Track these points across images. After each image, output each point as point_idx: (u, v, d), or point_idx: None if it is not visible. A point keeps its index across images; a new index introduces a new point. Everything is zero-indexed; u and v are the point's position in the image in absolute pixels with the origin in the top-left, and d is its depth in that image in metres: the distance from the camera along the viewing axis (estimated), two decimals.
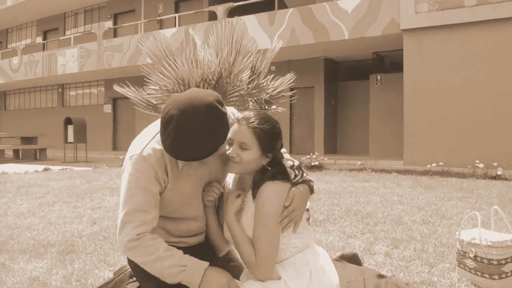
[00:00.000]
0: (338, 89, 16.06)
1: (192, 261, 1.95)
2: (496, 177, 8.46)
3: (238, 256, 2.53)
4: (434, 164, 9.92)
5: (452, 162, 9.95)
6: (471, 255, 2.86)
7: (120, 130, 20.91)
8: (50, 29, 23.97)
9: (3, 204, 6.03)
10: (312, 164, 10.88)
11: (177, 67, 6.06)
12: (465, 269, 2.92)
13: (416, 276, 2.98)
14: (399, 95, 11.84)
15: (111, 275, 2.71)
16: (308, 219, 2.79)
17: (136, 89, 6.82)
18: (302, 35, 13.19)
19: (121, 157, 14.88)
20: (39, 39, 24.14)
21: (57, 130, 18.51)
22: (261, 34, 13.28)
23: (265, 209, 1.93)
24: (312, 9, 13.11)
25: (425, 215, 4.97)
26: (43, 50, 22.82)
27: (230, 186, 2.20)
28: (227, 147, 2.00)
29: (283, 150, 2.13)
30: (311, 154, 11.51)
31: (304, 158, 11.30)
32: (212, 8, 15.40)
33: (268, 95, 6.72)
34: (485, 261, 2.79)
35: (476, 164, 9.14)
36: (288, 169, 2.04)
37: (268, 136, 1.98)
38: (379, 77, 14.31)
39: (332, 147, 15.72)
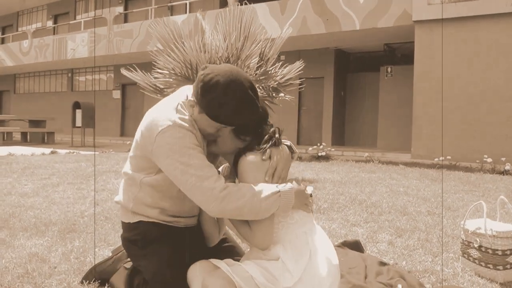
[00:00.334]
0: (348, 80, 15.96)
1: (279, 186, 1.95)
2: (504, 172, 8.38)
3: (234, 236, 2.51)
4: (441, 158, 9.84)
5: (460, 156, 9.87)
6: (476, 245, 2.81)
7: (129, 116, 20.94)
8: (61, 13, 23.97)
9: (8, 184, 6.04)
10: (319, 154, 10.83)
11: (185, 51, 6.02)
12: (469, 259, 2.87)
13: (419, 264, 2.93)
14: (409, 88, 11.74)
15: (110, 254, 2.69)
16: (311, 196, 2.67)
17: (144, 74, 6.79)
18: (313, 25, 13.09)
19: (128, 142, 14.92)
20: (50, 23, 24.17)
21: (66, 114, 18.56)
22: (271, 23, 13.20)
23: (245, 177, 1.98)
24: None
25: (430, 207, 4.92)
26: (54, 34, 22.84)
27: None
28: None
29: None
30: (318, 144, 11.45)
31: (311, 148, 11.25)
32: None
33: (276, 82, 6.66)
34: (490, 251, 2.73)
35: (484, 159, 9.05)
36: (265, 139, 2.06)
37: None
38: (389, 69, 14.20)
39: (340, 138, 15.65)
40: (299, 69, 6.77)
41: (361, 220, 4.22)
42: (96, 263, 2.55)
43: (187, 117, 1.99)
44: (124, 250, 2.47)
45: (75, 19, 22.74)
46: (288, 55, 12.54)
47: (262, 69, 6.35)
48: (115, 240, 3.31)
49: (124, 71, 6.95)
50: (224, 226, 2.34)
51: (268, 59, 6.48)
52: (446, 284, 2.63)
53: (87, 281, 2.44)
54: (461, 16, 10.38)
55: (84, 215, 4.22)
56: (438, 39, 10.76)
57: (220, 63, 6.00)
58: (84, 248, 3.09)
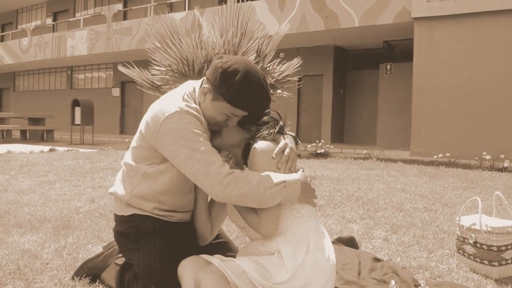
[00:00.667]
0: (347, 77, 15.95)
1: (285, 175, 1.94)
2: (503, 169, 8.36)
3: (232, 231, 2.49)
4: (440, 155, 9.83)
5: (459, 153, 9.85)
6: (471, 241, 2.79)
7: (128, 113, 20.93)
8: (60, 10, 23.95)
9: (5, 181, 6.03)
10: (318, 152, 10.81)
11: (181, 48, 5.99)
12: (464, 255, 2.85)
13: (414, 260, 2.91)
14: (408, 85, 11.72)
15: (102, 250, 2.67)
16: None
17: (141, 70, 6.77)
18: (312, 22, 13.06)
19: (127, 140, 14.90)
20: (49, 21, 24.15)
21: (65, 112, 18.55)
22: (270, 20, 13.17)
23: (257, 164, 1.97)
24: None
25: (427, 203, 4.90)
26: (53, 31, 22.82)
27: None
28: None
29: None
30: (317, 142, 11.43)
31: (310, 145, 11.23)
32: None
33: (274, 79, 6.64)
34: (485, 247, 2.72)
35: (483, 156, 9.03)
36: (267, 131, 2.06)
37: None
38: (388, 67, 14.17)
39: (339, 136, 15.64)
40: (297, 66, 6.74)
41: (357, 216, 4.20)
42: (86, 259, 2.54)
43: (193, 105, 2.01)
44: (115, 246, 2.46)
45: (74, 16, 22.71)
46: (287, 53, 12.51)
47: (259, 66, 6.32)
48: (109, 236, 3.29)
49: (121, 68, 6.93)
50: (218, 227, 2.33)
51: (266, 55, 6.45)
52: (441, 280, 2.62)
53: (78, 277, 2.43)
54: (460, 13, 10.36)
55: (79, 212, 4.21)
56: (437, 36, 10.74)
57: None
58: (77, 245, 3.08)
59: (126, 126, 20.94)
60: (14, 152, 10.39)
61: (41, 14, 25.08)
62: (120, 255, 2.41)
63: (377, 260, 2.79)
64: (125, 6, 20.75)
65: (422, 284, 2.37)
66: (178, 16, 14.98)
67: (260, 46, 6.32)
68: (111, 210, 4.19)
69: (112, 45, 18.05)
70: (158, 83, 6.46)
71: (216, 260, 1.91)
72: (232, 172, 1.88)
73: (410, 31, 11.40)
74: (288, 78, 6.83)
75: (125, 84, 20.87)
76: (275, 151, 1.97)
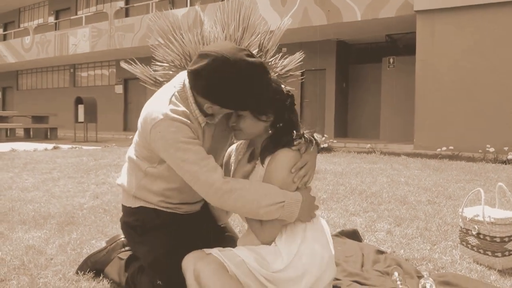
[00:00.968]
0: (350, 72, 15.90)
1: (286, 194, 1.91)
2: (506, 161, 8.33)
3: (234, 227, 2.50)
4: (444, 148, 9.80)
5: (462, 146, 9.82)
6: (474, 233, 2.79)
7: (131, 110, 20.94)
8: (62, 8, 23.93)
9: (9, 178, 6.05)
10: (322, 146, 10.80)
11: (184, 43, 5.99)
12: (468, 247, 2.85)
13: (417, 252, 2.92)
14: (411, 78, 11.67)
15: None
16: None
17: (144, 67, 6.77)
18: (314, 16, 13.02)
19: (130, 137, 14.93)
20: (51, 19, 24.16)
21: (69, 110, 18.57)
22: (272, 15, 13.12)
23: (275, 174, 1.95)
24: None
25: (431, 196, 4.89)
26: (55, 29, 22.84)
27: (241, 151, 2.20)
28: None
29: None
30: (320, 136, 11.41)
31: None
32: None
33: (277, 74, 6.63)
34: (488, 238, 2.72)
35: (487, 149, 9.01)
36: (299, 136, 2.03)
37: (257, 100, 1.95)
38: (391, 60, 14.12)
39: (342, 130, 15.61)
40: (299, 60, 6.73)
41: (360, 209, 4.20)
42: (89, 254, 2.55)
43: (180, 109, 1.94)
44: (118, 241, 2.48)
45: (76, 14, 22.70)
46: (290, 47, 12.45)
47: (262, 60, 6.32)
48: (113, 232, 3.30)
49: (123, 64, 6.93)
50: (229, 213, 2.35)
51: (268, 50, 6.44)
52: (444, 271, 2.62)
53: (82, 272, 2.44)
54: (463, 5, 10.30)
55: (83, 208, 4.22)
56: (440, 29, 10.69)
57: None
58: (81, 240, 3.10)
59: (129, 123, 20.95)
60: (18, 150, 10.42)
61: (43, 12, 25.08)
62: (123, 249, 2.43)
63: (380, 252, 2.79)
64: (127, 3, 20.73)
65: (425, 276, 2.37)
66: (180, 12, 14.97)
67: (262, 41, 6.31)
68: (115, 206, 4.21)
69: (115, 42, 18.05)
70: (161, 79, 6.47)
71: (215, 250, 1.92)
72: (226, 183, 1.87)
73: (412, 24, 11.35)
74: (291, 73, 6.83)
75: (128, 81, 20.88)
76: (293, 168, 1.93)
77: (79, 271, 2.45)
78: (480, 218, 2.75)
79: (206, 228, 2.30)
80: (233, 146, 2.29)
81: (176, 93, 2.00)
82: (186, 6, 16.89)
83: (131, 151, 2.20)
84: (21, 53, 22.16)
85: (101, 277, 2.40)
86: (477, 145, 9.56)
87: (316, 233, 2.00)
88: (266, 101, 1.95)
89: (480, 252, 2.75)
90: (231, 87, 1.83)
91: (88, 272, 2.43)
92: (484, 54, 10.09)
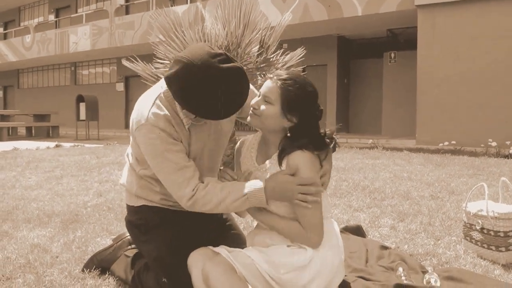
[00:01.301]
0: (351, 67, 15.88)
1: (248, 186, 1.91)
2: (509, 156, 8.32)
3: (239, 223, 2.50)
4: (446, 143, 9.80)
5: (465, 141, 9.81)
6: (478, 227, 2.80)
7: (133, 108, 20.50)
8: (62, 6, 23.92)
9: (12, 177, 6.07)
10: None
11: (185, 40, 5.99)
12: (471, 242, 2.86)
13: (421, 248, 2.92)
14: (413, 73, 11.65)
15: (111, 243, 2.69)
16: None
17: (145, 64, 6.77)
18: (315, 12, 13.00)
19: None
20: (52, 17, 24.14)
21: (70, 108, 18.59)
22: (273, 11, 13.11)
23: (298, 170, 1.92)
24: None
25: (434, 191, 4.90)
26: (56, 28, 22.83)
27: (253, 156, 2.14)
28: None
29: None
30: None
31: None
32: None
33: (278, 70, 6.62)
34: (492, 233, 2.72)
35: (489, 143, 9.00)
36: (320, 139, 2.00)
37: (294, 95, 1.92)
38: (392, 55, 14.11)
39: (344, 126, 15.60)
40: (301, 56, 6.71)
41: (363, 205, 4.21)
42: (95, 252, 2.56)
43: (162, 113, 1.94)
44: (125, 239, 2.49)
45: (76, 12, 22.69)
46: (291, 43, 12.44)
47: (263, 57, 6.31)
48: (117, 229, 3.32)
49: (125, 62, 6.92)
50: None
51: (269, 46, 6.42)
52: (448, 266, 2.62)
53: (88, 270, 2.45)
54: None
55: (87, 206, 4.23)
56: (441, 23, 10.66)
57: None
58: (86, 238, 3.11)
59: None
60: (20, 149, 10.44)
61: (44, 10, 25.07)
62: (129, 247, 2.44)
63: (385, 248, 2.79)
64: (127, 0, 20.71)
65: (429, 271, 2.38)
66: (180, 9, 14.96)
67: (263, 37, 6.30)
68: (119, 204, 4.23)
69: (115, 40, 18.05)
70: (162, 77, 6.46)
71: (224, 251, 1.92)
72: (193, 194, 1.90)
73: (413, 18, 11.33)
74: (292, 69, 6.81)
75: (129, 78, 20.89)
76: (298, 182, 1.88)
77: (84, 269, 2.46)
78: (484, 213, 2.76)
79: (210, 225, 2.30)
80: (245, 142, 2.22)
81: (161, 95, 2.01)
82: (186, 3, 16.87)
83: (128, 151, 2.23)
84: (22, 52, 22.16)
85: (106, 275, 2.41)
86: (479, 140, 9.55)
87: (328, 237, 2.00)
88: (295, 100, 1.92)
89: (484, 247, 2.76)
90: (200, 94, 1.81)
91: (93, 270, 2.44)
92: (486, 48, 10.07)
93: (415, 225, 3.47)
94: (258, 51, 6.19)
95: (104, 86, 21.85)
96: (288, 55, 6.74)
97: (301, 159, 1.90)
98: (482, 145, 9.25)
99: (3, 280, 2.39)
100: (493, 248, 2.71)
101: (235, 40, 5.92)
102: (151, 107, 1.95)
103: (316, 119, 2.02)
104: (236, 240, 2.34)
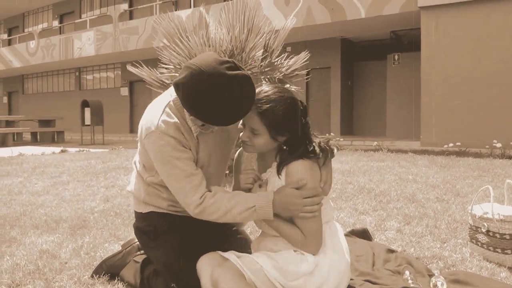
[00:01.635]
0: (355, 69, 15.90)
1: (257, 198, 1.93)
2: None
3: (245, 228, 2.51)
4: (451, 144, 9.80)
5: (469, 142, 9.81)
6: (483, 230, 2.80)
7: (137, 113, 21.02)
8: (66, 12, 24.06)
9: (19, 183, 6.10)
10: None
11: (190, 46, 6.02)
12: (477, 244, 2.86)
13: (427, 251, 2.93)
14: (416, 75, 11.67)
15: (119, 248, 2.72)
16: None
17: (150, 69, 6.80)
18: (318, 15, 13.04)
19: (137, 139, 14.96)
20: (56, 23, 24.27)
21: (75, 113, 18.70)
22: (276, 14, 13.15)
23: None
24: None
25: (439, 193, 4.90)
26: (60, 33, 22.95)
27: (254, 166, 2.17)
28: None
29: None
30: (327, 135, 11.43)
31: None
32: None
33: (282, 73, 6.64)
34: (498, 235, 2.73)
35: (494, 144, 8.99)
36: (315, 146, 1.98)
37: (276, 119, 1.90)
38: (396, 57, 14.12)
39: (348, 128, 15.61)
40: (305, 59, 6.74)
41: (369, 208, 4.22)
42: (105, 258, 2.58)
43: (172, 120, 1.97)
44: (134, 244, 2.51)
45: (80, 18, 22.81)
46: (294, 46, 12.46)
47: (267, 61, 6.33)
48: (125, 235, 3.34)
49: (130, 67, 6.97)
50: None
51: (273, 50, 6.45)
52: (454, 269, 2.63)
53: (97, 275, 2.47)
54: (467, 0, 10.28)
55: (94, 211, 4.26)
56: (444, 25, 10.67)
57: (224, 57, 6.01)
58: (94, 244, 3.13)
59: (135, 125, 21.02)
60: (26, 155, 10.49)
61: (48, 16, 25.21)
62: (139, 252, 2.46)
63: (391, 251, 2.81)
64: (130, 5, 20.80)
65: (436, 274, 2.39)
66: (184, 13, 15.01)
67: (267, 42, 6.33)
68: (126, 209, 4.25)
69: (119, 45, 18.13)
70: (168, 82, 6.50)
71: (233, 256, 1.93)
72: (201, 202, 1.92)
73: (417, 20, 11.35)
74: (296, 72, 6.83)
75: (133, 83, 20.97)
76: (303, 195, 1.89)
77: (94, 275, 2.48)
78: (490, 216, 2.76)
79: (217, 230, 2.32)
80: (243, 153, 2.23)
81: (171, 102, 2.03)
82: (190, 7, 16.93)
83: (136, 158, 2.26)
84: (26, 58, 22.28)
85: (116, 281, 2.43)
86: (484, 141, 9.55)
87: (333, 241, 2.01)
88: (282, 122, 1.92)
89: (490, 250, 2.76)
90: (208, 100, 1.81)
91: (103, 276, 2.47)
92: (489, 48, 10.07)
93: (421, 228, 3.48)
94: (262, 55, 6.21)
95: (108, 91, 21.94)
96: (293, 59, 6.76)
97: (301, 168, 1.91)
98: (487, 146, 9.24)
99: (13, 287, 2.41)
100: (499, 250, 2.71)
101: (239, 45, 5.95)
102: (161, 115, 1.98)
103: (306, 126, 2.02)
104: (243, 245, 2.36)
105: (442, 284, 2.28)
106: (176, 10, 17.70)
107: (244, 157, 2.21)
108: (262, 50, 6.25)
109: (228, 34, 6.06)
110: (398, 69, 14.07)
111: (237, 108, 1.85)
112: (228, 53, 5.98)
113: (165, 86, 6.62)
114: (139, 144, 2.13)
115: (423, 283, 2.33)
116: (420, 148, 10.48)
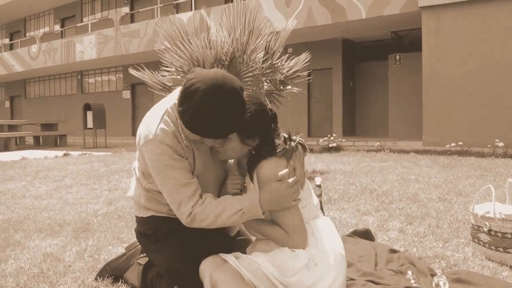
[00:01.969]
0: (356, 70, 15.91)
1: (244, 200, 1.95)
2: None
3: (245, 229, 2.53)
4: (453, 144, 9.80)
5: (471, 141, 9.81)
6: (485, 229, 2.81)
7: (139, 115, 21.05)
8: (68, 16, 24.11)
9: (22, 187, 6.13)
10: (330, 146, 10.82)
11: (191, 48, 6.04)
12: (479, 244, 2.87)
13: (429, 250, 2.94)
14: (418, 75, 11.67)
15: (123, 251, 2.73)
16: (320, 195, 2.78)
17: (152, 72, 6.83)
18: (319, 16, 13.05)
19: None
20: (57, 27, 24.34)
21: (77, 116, 18.74)
22: (277, 16, 13.18)
23: (267, 185, 1.94)
24: None
25: (441, 193, 4.91)
26: (61, 37, 23.01)
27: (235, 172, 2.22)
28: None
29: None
30: (329, 136, 11.44)
31: (322, 140, 11.25)
32: None
33: (283, 75, 6.66)
34: (499, 234, 2.73)
35: (496, 143, 8.99)
36: (280, 143, 2.00)
37: (247, 124, 1.94)
38: (398, 57, 14.12)
39: (350, 129, 15.62)
40: (306, 61, 6.76)
41: (371, 209, 4.23)
42: (109, 260, 2.59)
43: (169, 129, 1.97)
44: (138, 247, 2.53)
45: (81, 21, 22.86)
46: (295, 48, 12.51)
47: (268, 63, 6.36)
48: (129, 237, 3.36)
49: (131, 70, 6.99)
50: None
51: (274, 52, 6.47)
52: (456, 268, 2.64)
53: (101, 278, 2.49)
54: (467, 0, 10.28)
55: (97, 215, 4.27)
56: (445, 24, 10.68)
57: (226, 59, 6.03)
58: (98, 247, 3.14)
59: (138, 128, 21.07)
60: (29, 158, 10.53)
61: (49, 21, 25.27)
62: (142, 255, 2.47)
63: (393, 251, 2.81)
64: (132, 8, 20.84)
65: (438, 273, 2.40)
66: (185, 16, 15.04)
67: (268, 43, 6.35)
68: (129, 212, 4.27)
69: (121, 48, 18.17)
70: (169, 84, 6.52)
71: (232, 258, 1.95)
72: (192, 211, 1.94)
73: (418, 20, 11.35)
74: (298, 74, 6.85)
75: (135, 86, 21.01)
76: (279, 174, 1.91)
77: (98, 277, 2.50)
78: (491, 215, 2.77)
79: (219, 232, 2.33)
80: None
81: (169, 109, 2.03)
82: (191, 10, 16.96)
83: (135, 165, 2.27)
84: (28, 62, 22.34)
85: (119, 283, 2.45)
86: (486, 140, 9.54)
87: (324, 236, 2.03)
88: (251, 127, 1.96)
89: (492, 249, 2.77)
90: (208, 115, 1.82)
91: (107, 278, 2.48)
92: (490, 48, 10.07)
93: (423, 228, 3.49)
94: (263, 57, 6.23)
95: (110, 94, 21.98)
96: (293, 60, 6.78)
97: (267, 166, 1.94)
98: (489, 146, 9.24)
99: None
100: (501, 249, 2.72)
101: (240, 47, 5.97)
102: (159, 123, 1.98)
103: (275, 131, 2.05)
104: (244, 246, 2.37)
105: (444, 284, 2.28)
106: (177, 13, 17.75)
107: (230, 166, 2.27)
108: (263, 52, 6.27)
109: (229, 36, 6.08)
110: (400, 69, 14.07)
111: (232, 122, 1.88)
112: (229, 55, 6.00)
113: (166, 89, 6.65)
114: (137, 151, 2.14)
115: (426, 283, 2.34)
116: (422, 148, 10.48)
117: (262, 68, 6.33)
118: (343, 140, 11.67)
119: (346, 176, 6.30)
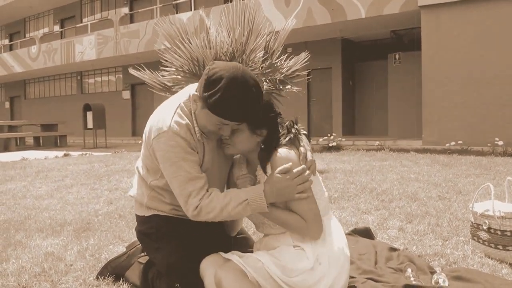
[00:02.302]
0: (356, 69, 15.91)
1: (248, 191, 1.97)
2: None
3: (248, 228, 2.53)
4: (453, 143, 9.81)
5: (471, 140, 9.82)
6: (485, 227, 2.82)
7: (139, 115, 21.07)
8: (67, 17, 24.11)
9: (23, 187, 6.14)
10: (330, 145, 10.83)
11: (191, 48, 6.05)
12: (479, 242, 2.88)
13: (429, 249, 2.95)
14: (418, 74, 11.68)
15: (124, 250, 2.74)
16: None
17: (152, 72, 6.84)
18: (318, 15, 13.06)
19: (140, 141, 15.03)
20: (57, 28, 24.34)
21: (77, 117, 18.74)
22: (276, 15, 13.18)
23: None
24: None
25: (441, 192, 4.92)
26: (61, 38, 23.01)
27: (244, 170, 2.23)
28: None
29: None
30: (329, 135, 11.45)
31: (322, 139, 11.26)
32: None
33: (283, 75, 6.67)
34: (499, 232, 2.74)
35: (496, 142, 9.00)
36: (285, 133, 2.05)
37: (256, 116, 1.99)
38: (397, 56, 14.13)
39: (350, 128, 15.62)
40: (305, 60, 6.76)
41: (371, 207, 4.24)
42: (109, 259, 2.60)
43: (183, 122, 2.00)
44: (138, 246, 2.54)
45: (81, 22, 22.86)
46: (295, 47, 12.52)
47: (268, 62, 6.36)
48: (129, 236, 3.37)
49: (131, 71, 7.00)
50: (242, 220, 2.38)
51: (273, 51, 6.48)
52: (456, 266, 2.65)
53: (102, 277, 2.50)
54: None
55: (98, 214, 4.29)
56: (444, 23, 10.68)
57: (225, 59, 6.04)
58: (99, 246, 3.16)
59: (138, 128, 21.08)
60: (29, 159, 10.54)
61: (49, 21, 25.27)
62: (143, 254, 2.48)
63: (393, 249, 2.83)
64: (131, 9, 20.85)
65: (437, 271, 2.41)
66: (184, 16, 15.05)
67: (267, 43, 6.36)
68: (130, 211, 4.28)
69: (121, 48, 18.18)
70: (169, 84, 6.53)
71: (235, 256, 1.96)
72: (199, 203, 1.95)
73: (417, 19, 11.35)
74: (297, 73, 6.86)
75: (135, 86, 21.02)
76: (278, 169, 1.94)
77: (99, 276, 2.51)
78: (491, 213, 2.78)
79: (220, 231, 2.34)
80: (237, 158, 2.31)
81: (182, 104, 2.06)
82: (190, 10, 16.96)
83: (138, 163, 2.27)
84: (28, 63, 22.35)
85: (121, 281, 2.46)
86: (486, 139, 9.56)
87: (331, 234, 2.03)
88: (260, 117, 2.01)
89: (491, 247, 2.78)
90: (233, 99, 1.89)
91: (108, 277, 2.49)
92: (490, 46, 10.08)
93: (423, 226, 3.50)
94: (263, 56, 6.24)
95: (110, 94, 21.99)
96: (293, 60, 6.79)
97: (281, 156, 1.97)
98: (488, 144, 9.25)
99: None
100: (500, 247, 2.73)
101: (240, 47, 5.98)
102: (173, 116, 2.01)
103: (277, 121, 2.10)
104: (245, 244, 2.39)
105: (443, 281, 2.30)
106: (176, 13, 17.75)
107: (235, 166, 2.28)
108: (263, 51, 6.28)
109: (229, 36, 6.09)
110: (399, 69, 14.07)
111: (252, 106, 1.94)
112: (228, 55, 6.01)
113: (166, 89, 6.66)
114: (143, 147, 2.15)
115: (425, 281, 2.35)
116: (422, 147, 10.49)
117: (262, 67, 6.34)
118: (343, 140, 11.68)
119: (346, 175, 6.32)
